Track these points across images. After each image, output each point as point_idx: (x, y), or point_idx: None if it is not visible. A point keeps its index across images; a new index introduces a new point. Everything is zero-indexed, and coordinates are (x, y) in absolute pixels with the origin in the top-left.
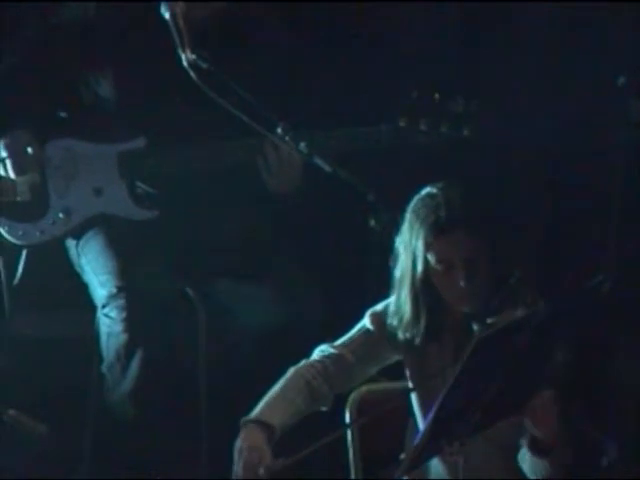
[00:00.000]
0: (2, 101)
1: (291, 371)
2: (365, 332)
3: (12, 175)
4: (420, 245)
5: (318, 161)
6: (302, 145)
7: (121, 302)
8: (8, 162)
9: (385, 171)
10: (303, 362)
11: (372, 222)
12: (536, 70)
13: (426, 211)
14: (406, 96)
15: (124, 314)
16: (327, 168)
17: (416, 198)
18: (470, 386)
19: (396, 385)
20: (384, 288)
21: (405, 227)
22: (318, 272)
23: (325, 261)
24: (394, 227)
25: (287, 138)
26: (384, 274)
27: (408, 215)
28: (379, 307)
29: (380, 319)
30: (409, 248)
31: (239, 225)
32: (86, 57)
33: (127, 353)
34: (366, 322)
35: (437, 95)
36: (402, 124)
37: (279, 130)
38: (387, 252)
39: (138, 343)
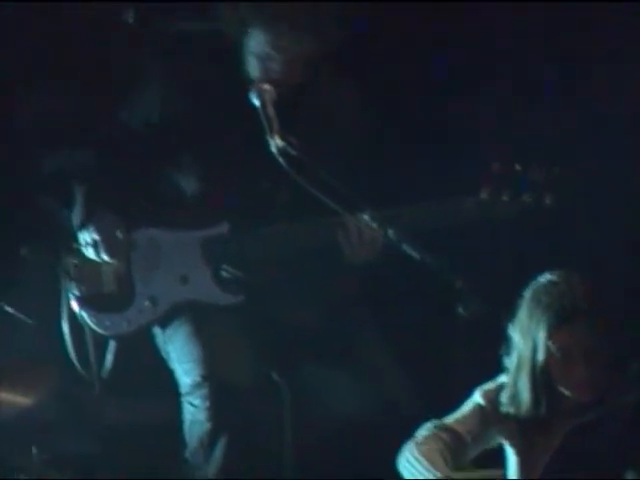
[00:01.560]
0: (92, 187)
1: (419, 447)
2: (479, 411)
3: (103, 258)
4: (542, 333)
5: (407, 248)
6: (390, 232)
7: (205, 391)
8: (99, 245)
9: (469, 246)
10: (421, 437)
11: (460, 309)
12: (618, 133)
13: (549, 299)
14: (487, 168)
15: (208, 403)
16: (415, 255)
17: (535, 285)
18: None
19: (490, 473)
20: (470, 374)
21: (524, 314)
22: (403, 354)
23: (410, 344)
24: (481, 314)
25: (375, 224)
26: (470, 359)
27: (527, 302)
28: (491, 386)
29: (493, 400)
30: (529, 335)
31: (322, 306)
32: (171, 146)
33: (210, 441)
34: (479, 401)
35: (518, 166)
36: (484, 196)
37: (366, 216)
38: (473, 337)
39: (222, 431)
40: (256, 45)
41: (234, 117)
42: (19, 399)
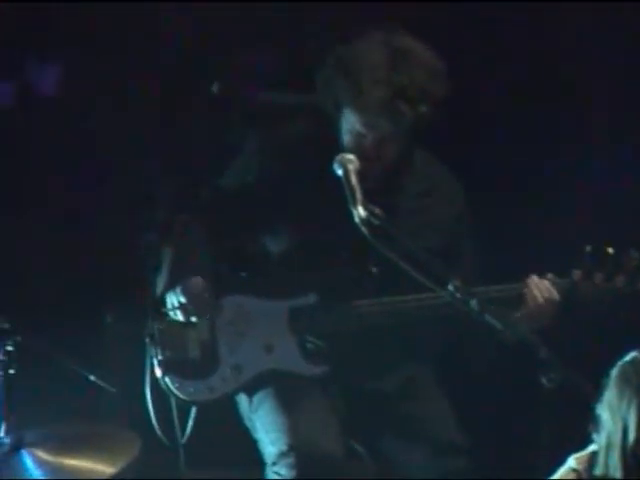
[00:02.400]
0: (182, 251)
1: None
2: (575, 476)
3: (191, 320)
4: (633, 415)
5: (489, 319)
6: (473, 303)
7: (291, 460)
8: (187, 307)
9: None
10: None
11: (543, 379)
12: None
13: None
14: (580, 251)
15: (294, 472)
16: (498, 326)
17: (623, 364)
18: None
19: None
20: (555, 444)
21: (612, 393)
22: (487, 424)
23: (494, 414)
24: (565, 384)
25: (459, 295)
26: (554, 428)
27: (615, 381)
28: (583, 454)
29: (586, 466)
30: (618, 415)
31: (405, 378)
32: (262, 215)
33: None
34: (574, 466)
35: (611, 249)
36: (575, 278)
37: (450, 287)
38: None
39: None
40: (348, 121)
41: (327, 188)
42: (101, 467)
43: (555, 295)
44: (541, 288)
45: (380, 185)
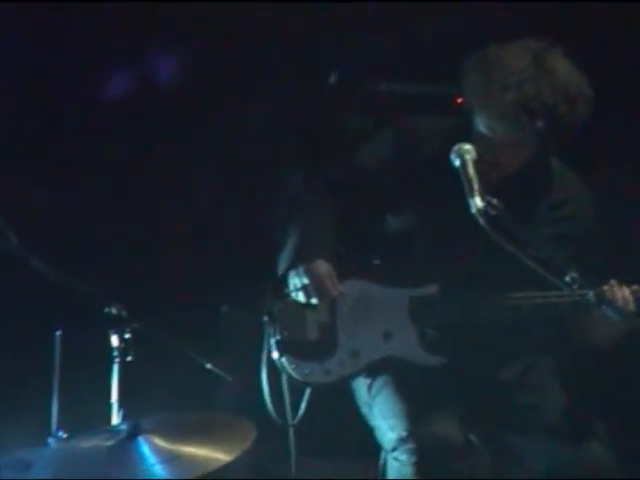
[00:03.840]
0: (307, 233)
1: None
2: None
3: (312, 302)
4: None
5: (606, 310)
6: (590, 295)
7: (411, 446)
8: (309, 289)
9: None
10: None
11: None
12: None
13: None
14: None
15: (414, 458)
16: (615, 317)
17: None
18: None
19: None
20: None
21: None
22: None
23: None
24: None
25: (576, 287)
26: None
27: None
28: None
29: None
30: None
31: (523, 369)
32: (388, 203)
33: None
34: None
35: None
36: None
37: (568, 278)
38: None
39: None
40: (475, 120)
41: (454, 179)
42: (217, 455)
43: (631, 307)
44: (620, 295)
45: (499, 191)
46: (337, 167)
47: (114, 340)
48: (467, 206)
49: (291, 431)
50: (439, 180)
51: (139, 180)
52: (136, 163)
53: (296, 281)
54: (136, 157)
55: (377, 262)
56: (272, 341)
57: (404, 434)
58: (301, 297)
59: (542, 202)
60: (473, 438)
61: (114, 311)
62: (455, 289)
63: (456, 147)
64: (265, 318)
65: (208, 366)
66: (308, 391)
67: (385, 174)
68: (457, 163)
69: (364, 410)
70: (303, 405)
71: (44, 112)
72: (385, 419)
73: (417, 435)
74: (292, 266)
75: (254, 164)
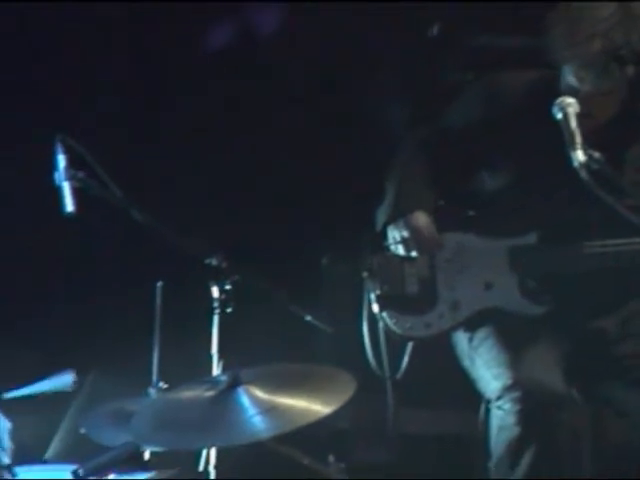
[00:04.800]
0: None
1: None
2: None
3: (412, 255)
4: None
5: None
6: None
7: (516, 395)
8: (408, 242)
9: None
10: None
11: None
12: None
13: None
14: None
15: (518, 406)
16: None
17: None
18: None
19: None
20: None
21: None
22: None
23: None
24: None
25: None
26: None
27: None
28: None
29: None
30: None
31: (625, 318)
32: (485, 155)
33: (518, 448)
34: None
35: None
36: None
37: None
38: None
39: (530, 438)
40: (564, 72)
41: (548, 131)
42: (316, 407)
43: None
44: None
45: (592, 142)
46: (429, 125)
47: (214, 291)
48: (563, 157)
49: (389, 383)
50: (531, 132)
51: (234, 135)
52: (231, 118)
53: (395, 234)
54: (231, 110)
55: (475, 215)
56: (372, 296)
57: (509, 382)
58: (400, 250)
59: (633, 149)
60: (574, 389)
61: (215, 262)
62: (554, 238)
63: (559, 100)
64: (364, 273)
65: (308, 318)
66: (410, 345)
67: (475, 131)
68: (559, 116)
69: (465, 363)
70: (405, 359)
71: (148, 67)
72: (489, 369)
73: (522, 384)
74: (391, 219)
75: (353, 116)
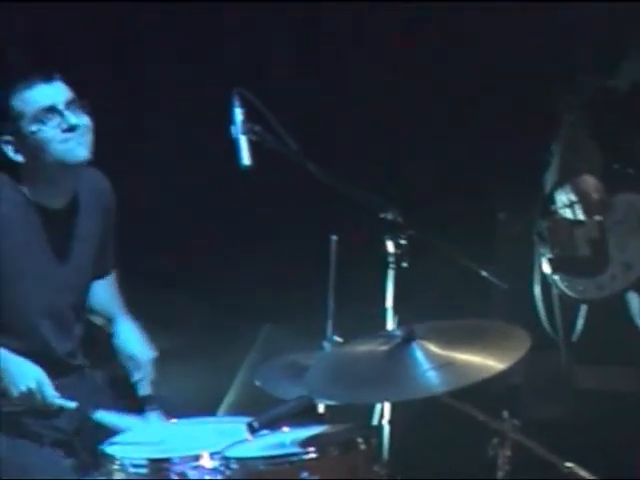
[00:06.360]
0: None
1: None
2: None
3: (580, 218)
4: None
5: None
6: None
7: None
8: (577, 205)
9: None
10: None
11: None
12: None
13: None
14: None
15: None
16: None
17: None
18: None
19: None
20: None
21: None
22: None
23: None
24: None
25: None
26: None
27: None
28: None
29: None
30: None
31: None
32: None
33: None
34: None
35: None
36: None
37: None
38: None
39: None
40: None
41: None
42: (491, 363)
43: None
44: None
45: None
46: (594, 85)
47: (389, 246)
48: None
49: (562, 344)
50: None
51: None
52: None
53: (563, 198)
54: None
55: None
56: (543, 259)
57: None
58: (569, 214)
59: None
60: None
61: (390, 217)
62: None
63: None
64: (535, 237)
65: (483, 273)
66: (584, 307)
67: None
68: None
69: (639, 321)
70: (580, 321)
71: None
72: None
73: None
74: (558, 184)
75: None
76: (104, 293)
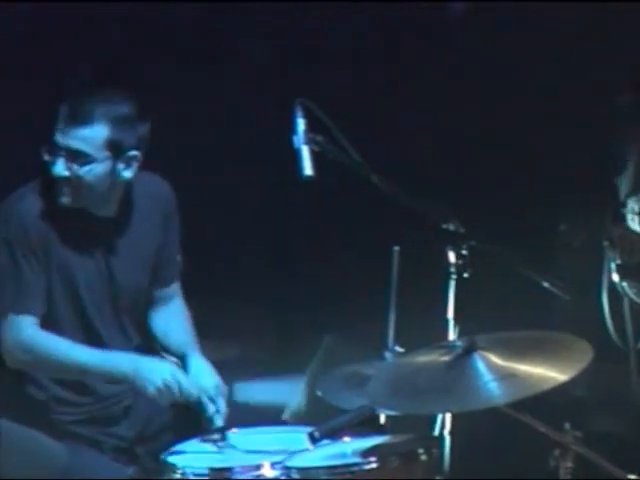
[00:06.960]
0: None
1: None
2: None
3: None
4: None
5: None
6: None
7: None
8: None
9: None
10: None
11: None
12: None
13: None
14: None
15: None
16: None
17: None
18: None
19: None
20: None
21: None
22: None
23: None
24: None
25: None
26: None
27: None
28: None
29: None
30: None
31: None
32: None
33: None
34: None
35: None
36: None
37: None
38: None
39: None
40: None
41: None
42: (553, 374)
43: None
44: None
45: None
46: None
47: (451, 256)
48: None
49: (633, 353)
50: None
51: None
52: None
53: (635, 206)
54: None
55: None
56: (612, 265)
57: None
58: (637, 223)
59: None
60: None
61: (452, 227)
62: None
63: None
64: (605, 242)
65: (545, 284)
66: None
67: None
68: None
69: None
70: None
71: None
72: None
73: None
74: (633, 190)
75: None
76: (178, 335)
